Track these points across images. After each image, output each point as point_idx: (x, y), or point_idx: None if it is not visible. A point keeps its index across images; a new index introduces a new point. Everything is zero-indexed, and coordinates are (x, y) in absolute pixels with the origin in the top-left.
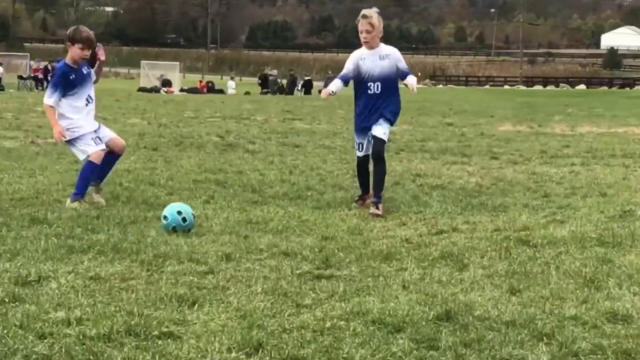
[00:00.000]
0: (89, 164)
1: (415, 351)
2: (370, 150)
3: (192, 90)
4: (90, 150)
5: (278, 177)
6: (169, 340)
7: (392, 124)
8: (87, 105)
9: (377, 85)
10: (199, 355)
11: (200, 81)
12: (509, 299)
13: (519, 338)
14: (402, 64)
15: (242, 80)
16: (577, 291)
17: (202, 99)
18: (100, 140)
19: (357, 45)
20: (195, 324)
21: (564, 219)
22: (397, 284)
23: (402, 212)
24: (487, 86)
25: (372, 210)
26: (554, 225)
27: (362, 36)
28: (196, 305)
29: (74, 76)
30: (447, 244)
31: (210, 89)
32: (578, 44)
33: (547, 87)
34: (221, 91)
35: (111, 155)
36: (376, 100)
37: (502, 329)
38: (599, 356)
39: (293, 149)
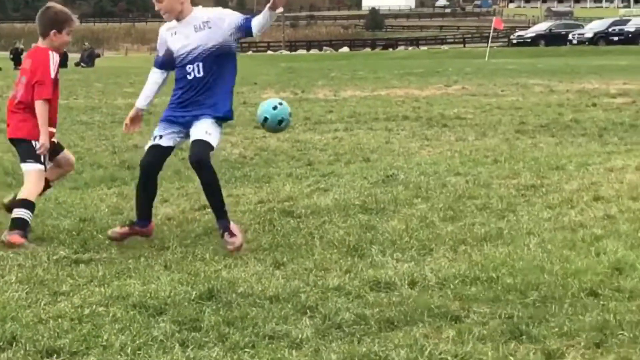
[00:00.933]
0: None
1: (177, 334)
2: (188, 154)
3: None
4: None
5: None
6: None
7: (219, 122)
8: None
9: (198, 67)
10: None
11: None
12: (272, 272)
13: (282, 313)
14: (234, 20)
15: None
16: (341, 261)
17: None
18: None
19: (115, 14)
20: None
21: (328, 187)
22: (159, 264)
23: (164, 189)
24: (250, 52)
25: (227, 240)
26: (318, 194)
27: (157, 9)
28: None
29: None
30: (210, 219)
31: None
32: (340, 5)
33: (311, 51)
34: None
35: None
36: (197, 86)
37: (266, 304)
38: (362, 326)
39: None
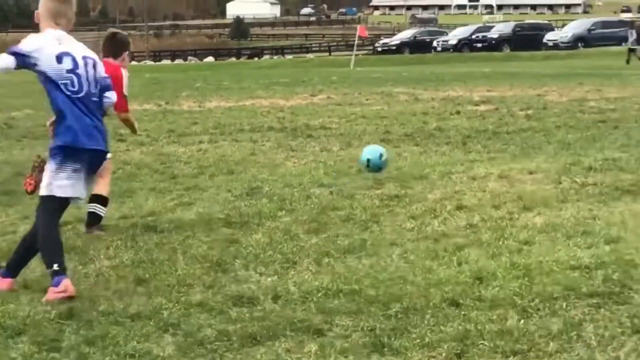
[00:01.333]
0: None
1: (36, 354)
2: None
3: None
4: None
5: None
6: None
7: (55, 155)
8: None
9: None
10: None
11: None
12: (135, 289)
13: (144, 330)
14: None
15: None
16: (204, 276)
17: None
18: None
19: None
20: None
21: (192, 201)
22: (18, 283)
23: (26, 205)
24: None
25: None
26: (182, 208)
27: None
28: None
29: None
30: (72, 236)
31: None
32: (204, 14)
33: (176, 61)
34: None
35: None
36: None
37: (127, 322)
38: (224, 342)
39: None
